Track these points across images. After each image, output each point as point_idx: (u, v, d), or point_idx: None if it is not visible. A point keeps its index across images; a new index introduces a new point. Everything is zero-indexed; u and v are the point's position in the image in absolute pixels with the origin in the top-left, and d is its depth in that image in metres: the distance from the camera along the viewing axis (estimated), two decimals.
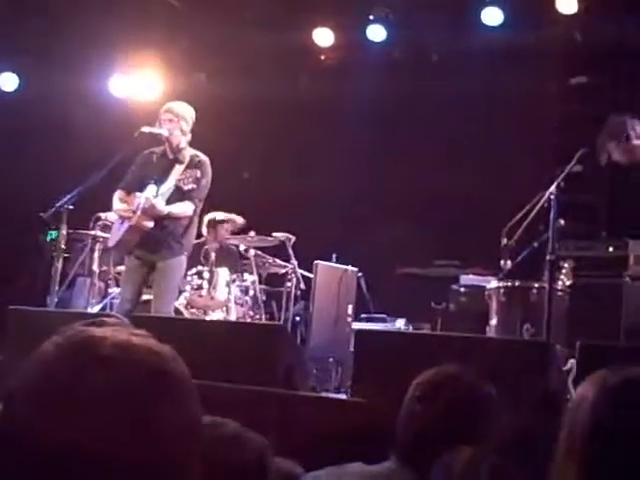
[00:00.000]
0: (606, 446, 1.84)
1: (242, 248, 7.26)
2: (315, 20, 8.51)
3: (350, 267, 7.11)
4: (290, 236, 7.02)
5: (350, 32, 8.58)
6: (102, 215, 6.66)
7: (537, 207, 5.18)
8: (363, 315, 7.25)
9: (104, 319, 1.23)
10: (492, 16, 7.81)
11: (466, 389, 2.19)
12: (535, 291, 5.32)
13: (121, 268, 6.34)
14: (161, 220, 5.65)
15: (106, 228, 6.60)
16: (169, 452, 1.10)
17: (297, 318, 7.33)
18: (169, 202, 5.65)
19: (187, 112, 5.87)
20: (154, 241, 5.66)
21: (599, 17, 7.51)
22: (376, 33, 8.33)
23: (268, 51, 8.63)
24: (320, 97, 8.64)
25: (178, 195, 5.66)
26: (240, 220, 7.41)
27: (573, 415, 1.95)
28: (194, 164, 5.73)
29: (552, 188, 5.03)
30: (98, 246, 6.84)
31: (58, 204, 5.82)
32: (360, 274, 7.22)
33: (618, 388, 1.90)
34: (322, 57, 8.92)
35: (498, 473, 1.71)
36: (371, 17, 8.28)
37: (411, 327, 7.00)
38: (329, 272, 6.96)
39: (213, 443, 1.56)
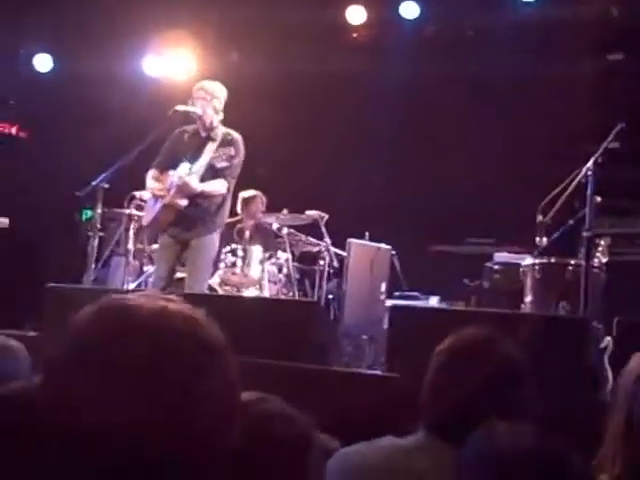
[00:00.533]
0: None
1: (275, 226, 7.28)
2: None
3: (383, 245, 7.09)
4: (323, 214, 7.02)
5: (383, 9, 8.52)
6: (137, 194, 6.71)
7: (574, 184, 5.11)
8: (396, 293, 7.24)
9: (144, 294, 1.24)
10: None
11: (502, 355, 2.07)
12: (571, 268, 5.26)
13: (156, 246, 6.39)
14: (195, 198, 5.67)
15: (141, 207, 6.65)
16: (208, 417, 1.09)
17: (330, 296, 7.34)
18: (202, 180, 5.67)
19: (220, 91, 5.89)
20: (188, 219, 5.70)
21: None
22: (409, 10, 8.26)
23: (300, 29, 8.59)
24: (353, 75, 8.58)
25: (211, 173, 5.69)
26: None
27: (626, 392, 1.92)
28: (227, 142, 5.74)
29: (589, 164, 4.96)
30: (133, 225, 6.89)
31: (94, 183, 5.88)
32: (393, 252, 7.20)
33: None
34: (355, 35, 8.86)
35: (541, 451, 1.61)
36: None
37: (445, 304, 6.97)
38: (362, 250, 6.94)
39: (260, 418, 1.56)
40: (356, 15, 8.50)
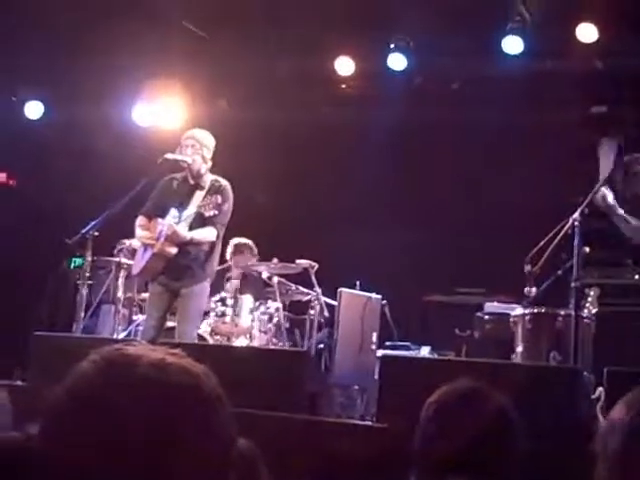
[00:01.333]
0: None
1: (265, 275, 7.27)
2: (336, 49, 8.57)
3: (374, 295, 7.09)
4: (313, 263, 7.03)
5: (371, 61, 8.62)
6: (126, 242, 6.71)
7: (560, 234, 5.16)
8: (387, 343, 7.21)
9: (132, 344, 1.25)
10: (513, 44, 7.82)
11: (492, 407, 2.08)
12: (561, 318, 5.29)
13: (145, 295, 6.37)
14: (184, 246, 5.68)
15: (130, 255, 6.65)
16: (204, 468, 1.11)
17: (321, 346, 7.31)
18: (191, 228, 5.68)
19: (208, 139, 5.95)
20: (178, 268, 5.69)
21: (619, 45, 7.51)
22: (397, 61, 8.36)
23: (290, 79, 8.70)
24: (341, 126, 8.68)
25: (200, 221, 5.70)
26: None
27: (606, 441, 1.94)
28: (215, 190, 5.77)
29: (576, 215, 5.02)
30: (122, 273, 6.88)
31: (83, 231, 5.88)
32: (384, 302, 7.20)
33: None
34: (343, 86, 8.97)
35: None
36: (392, 46, 8.32)
37: (436, 355, 6.95)
38: (353, 299, 6.94)
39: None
40: (345, 66, 8.61)
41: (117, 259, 6.91)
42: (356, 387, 6.41)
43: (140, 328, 6.46)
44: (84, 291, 6.06)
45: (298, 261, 7.02)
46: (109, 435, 1.06)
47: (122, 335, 6.71)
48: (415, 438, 2.15)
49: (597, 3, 7.39)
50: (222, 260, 6.85)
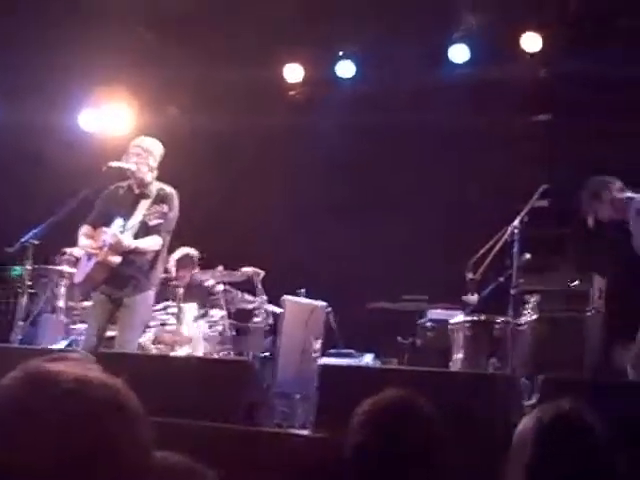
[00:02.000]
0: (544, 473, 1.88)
1: (210, 283, 7.22)
2: (285, 56, 8.58)
3: (319, 302, 7.09)
4: (259, 271, 7.00)
5: (320, 68, 8.65)
6: (68, 250, 6.60)
7: (501, 242, 5.22)
8: (331, 350, 7.21)
9: (67, 355, 1.28)
10: (459, 53, 7.92)
11: (418, 417, 2.10)
12: (500, 325, 5.34)
13: (87, 304, 6.27)
14: (128, 255, 5.61)
15: (72, 263, 6.54)
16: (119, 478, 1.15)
17: (266, 354, 7.28)
18: (136, 237, 5.61)
19: (155, 147, 5.88)
20: (121, 277, 5.62)
21: (563, 55, 7.64)
22: (345, 69, 8.41)
23: (239, 86, 8.67)
24: (290, 132, 8.69)
25: (145, 230, 5.64)
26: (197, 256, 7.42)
27: (516, 450, 1.98)
28: (160, 198, 5.71)
29: (515, 222, 5.09)
30: (64, 282, 6.77)
31: (24, 239, 5.78)
32: (329, 309, 7.20)
33: (551, 424, 1.95)
34: (292, 92, 8.98)
35: None
36: (340, 53, 8.36)
37: (379, 362, 6.97)
38: (297, 307, 6.93)
39: (164, 476, 1.56)
40: (293, 73, 8.63)
41: (59, 268, 6.79)
42: (298, 396, 6.40)
43: (81, 337, 6.36)
44: (24, 300, 5.94)
45: (243, 269, 6.99)
46: (25, 445, 1.10)
47: (63, 345, 6.60)
48: (345, 448, 2.16)
49: (541, 13, 7.52)
50: (167, 268, 6.78)
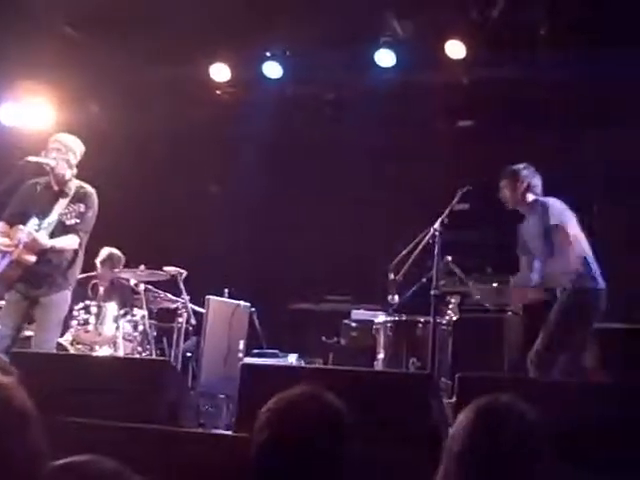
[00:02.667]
0: (478, 468, 1.91)
1: (132, 282, 7.11)
2: (212, 55, 8.53)
3: (242, 302, 7.07)
4: (181, 270, 6.93)
5: (246, 68, 8.63)
6: None
7: (422, 244, 5.30)
8: (255, 351, 7.20)
9: None
10: (385, 58, 8.01)
11: (321, 411, 2.06)
12: (421, 325, 5.43)
13: (2, 303, 6.08)
14: (45, 254, 5.48)
15: None
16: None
17: (188, 354, 7.22)
18: (53, 236, 5.49)
19: (75, 145, 5.76)
20: (37, 276, 5.49)
21: (485, 62, 7.81)
22: (272, 70, 8.40)
23: (164, 84, 8.58)
24: (215, 131, 8.64)
25: (61, 229, 5.51)
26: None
27: (450, 444, 2.01)
28: (79, 197, 5.60)
29: (436, 225, 5.17)
30: None
31: None
32: (252, 309, 7.19)
33: (486, 414, 1.98)
34: (218, 92, 8.93)
35: None
36: (268, 54, 8.36)
37: (303, 362, 6.99)
38: (221, 307, 6.90)
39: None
40: (220, 73, 8.58)
41: None
42: (222, 395, 6.37)
43: None
44: None
45: (166, 268, 6.90)
46: None
47: None
48: (251, 447, 2.12)
49: (465, 22, 7.67)
50: (88, 268, 6.65)
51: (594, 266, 5.26)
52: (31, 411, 1.22)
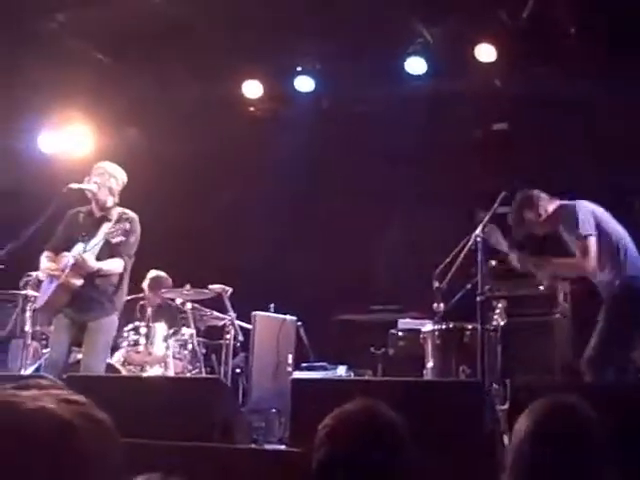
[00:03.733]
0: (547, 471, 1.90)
1: (179, 302, 7.19)
2: (244, 72, 8.61)
3: (289, 316, 7.10)
4: (226, 287, 6.98)
5: (278, 83, 8.69)
6: (32, 274, 6.54)
7: (465, 250, 5.28)
8: (304, 364, 7.21)
9: (34, 381, 1.27)
10: (415, 65, 8.01)
11: (378, 425, 2.07)
12: (469, 332, 5.39)
13: (51, 328, 6.19)
14: (91, 278, 5.56)
15: (36, 287, 6.47)
16: None
17: (237, 370, 7.26)
18: (98, 259, 5.57)
19: (118, 172, 5.86)
20: (84, 300, 5.57)
21: (517, 65, 7.77)
22: (304, 84, 8.45)
23: (198, 104, 8.68)
24: (251, 148, 8.71)
25: (107, 250, 5.59)
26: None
27: (513, 450, 1.99)
28: (123, 220, 5.68)
29: (477, 231, 5.15)
30: (29, 306, 6.68)
31: None
32: (299, 323, 7.21)
33: (546, 417, 1.97)
34: (252, 109, 9.01)
35: None
36: (299, 68, 8.41)
37: (352, 374, 6.98)
38: (268, 322, 6.93)
39: None
40: (252, 89, 8.65)
41: (23, 292, 6.71)
42: (273, 410, 6.39)
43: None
44: None
45: (211, 286, 6.97)
46: None
47: (31, 370, 6.52)
48: (313, 463, 2.14)
49: (494, 25, 7.64)
50: (134, 290, 6.74)
51: (636, 263, 5.16)
52: (111, 430, 1.24)
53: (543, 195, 5.43)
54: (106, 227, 5.61)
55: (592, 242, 5.06)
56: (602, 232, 5.15)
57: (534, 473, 1.94)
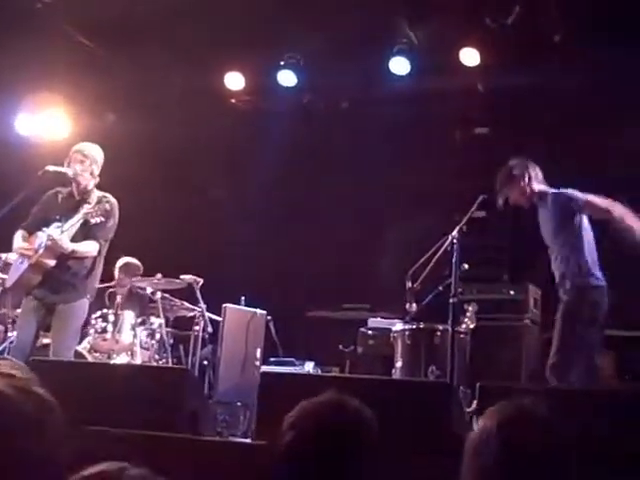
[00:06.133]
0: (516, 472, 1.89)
1: (149, 291, 7.14)
2: (227, 64, 8.57)
3: (259, 310, 7.08)
4: (198, 279, 6.95)
5: (261, 77, 8.66)
6: (3, 256, 6.45)
7: (440, 251, 5.29)
8: (272, 359, 7.20)
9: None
10: (399, 65, 8.02)
11: (346, 420, 2.03)
12: (439, 333, 5.41)
13: (18, 312, 6.11)
14: (64, 260, 5.49)
15: (6, 269, 6.38)
16: None
17: (205, 362, 7.23)
18: (74, 240, 5.50)
19: (98, 155, 5.79)
20: (56, 282, 5.49)
21: (500, 69, 7.80)
22: (287, 78, 8.43)
23: (179, 93, 8.63)
24: (231, 140, 8.67)
25: (83, 232, 5.52)
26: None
27: (478, 447, 1.98)
28: (103, 202, 5.61)
29: (454, 232, 5.16)
30: None
31: None
32: (269, 317, 7.20)
33: (514, 420, 1.97)
34: (233, 100, 8.97)
35: None
36: (282, 62, 8.39)
37: (320, 370, 6.99)
38: (237, 315, 6.91)
39: None
40: (234, 81, 8.62)
41: None
42: (239, 403, 6.37)
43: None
44: None
45: (182, 276, 6.93)
46: None
47: None
48: (276, 457, 2.12)
49: (479, 29, 7.67)
50: (106, 278, 6.68)
51: (594, 263, 5.22)
52: (50, 410, 1.22)
53: (539, 173, 5.45)
54: (85, 208, 5.53)
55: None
56: (585, 225, 5.22)
57: (491, 475, 1.94)
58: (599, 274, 5.19)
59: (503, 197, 5.39)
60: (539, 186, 5.43)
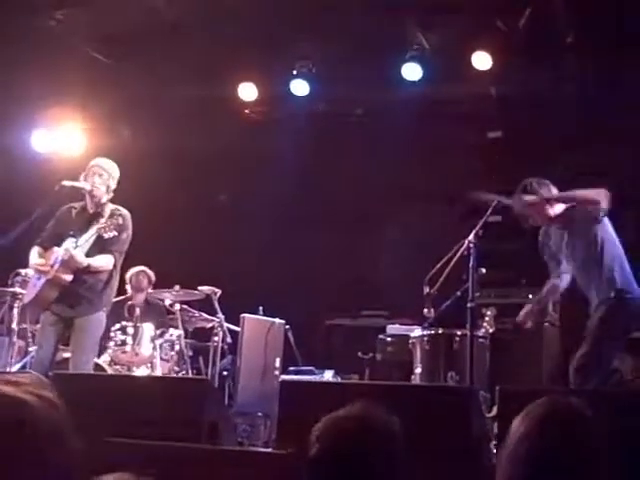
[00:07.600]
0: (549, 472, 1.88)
1: (167, 303, 7.16)
2: (239, 75, 8.60)
3: (277, 320, 7.08)
4: (216, 289, 6.97)
5: (274, 87, 8.68)
6: (22, 271, 6.50)
7: (456, 256, 5.27)
8: (291, 368, 7.20)
9: (19, 378, 1.26)
10: (412, 71, 8.01)
11: (373, 433, 2.02)
12: (458, 339, 5.39)
13: (37, 327, 6.14)
14: (80, 274, 5.53)
15: (25, 284, 6.43)
16: None
17: (225, 373, 7.24)
18: (89, 255, 5.54)
19: (114, 170, 5.85)
20: (73, 296, 5.53)
21: (512, 73, 7.78)
22: (299, 88, 8.44)
23: (192, 106, 8.67)
24: (245, 151, 8.69)
25: (98, 246, 5.56)
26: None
27: (510, 451, 1.97)
28: (116, 216, 5.66)
29: (470, 237, 5.14)
30: (17, 303, 6.63)
31: None
32: (287, 326, 7.20)
33: (545, 418, 1.96)
34: (247, 111, 9.00)
35: None
36: (294, 72, 8.41)
37: (339, 378, 6.97)
38: (256, 325, 6.92)
39: None
40: (248, 92, 8.64)
41: (11, 289, 6.67)
42: (259, 413, 6.37)
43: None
44: None
45: (200, 287, 6.95)
46: None
47: (17, 367, 6.47)
48: (305, 465, 2.12)
49: (491, 33, 7.66)
50: (123, 290, 6.71)
51: (630, 273, 5.17)
52: (69, 427, 1.24)
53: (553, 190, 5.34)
54: (99, 223, 5.57)
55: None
56: (609, 238, 5.15)
57: (530, 474, 1.92)
58: (635, 284, 5.13)
59: (526, 222, 5.33)
60: (560, 208, 5.33)
